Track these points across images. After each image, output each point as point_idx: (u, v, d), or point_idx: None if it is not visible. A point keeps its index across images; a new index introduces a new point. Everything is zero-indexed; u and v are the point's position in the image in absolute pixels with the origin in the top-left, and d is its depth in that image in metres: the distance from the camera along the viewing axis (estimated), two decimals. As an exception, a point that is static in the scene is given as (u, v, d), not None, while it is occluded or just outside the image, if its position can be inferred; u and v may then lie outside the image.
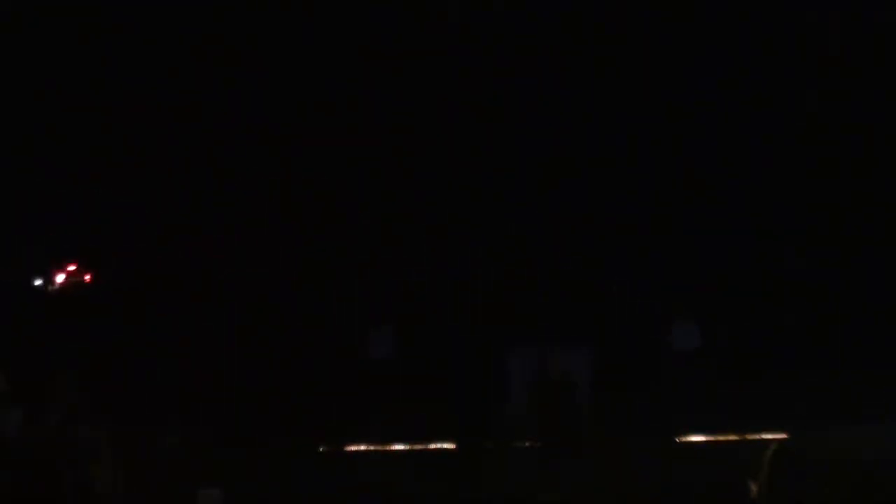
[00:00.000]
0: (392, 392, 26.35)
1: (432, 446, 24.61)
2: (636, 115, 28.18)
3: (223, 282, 27.16)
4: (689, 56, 28.06)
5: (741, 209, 28.16)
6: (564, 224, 28.04)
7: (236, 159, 27.44)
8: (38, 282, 25.08)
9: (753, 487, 15.12)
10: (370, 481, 21.65)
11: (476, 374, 26.67)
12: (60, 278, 25.61)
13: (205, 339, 26.42)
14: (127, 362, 25.39)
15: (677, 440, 24.83)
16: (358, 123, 27.90)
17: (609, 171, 28.32)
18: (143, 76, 27.65)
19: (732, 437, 24.61)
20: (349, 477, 22.09)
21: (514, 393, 26.43)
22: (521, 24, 28.27)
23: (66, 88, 27.26)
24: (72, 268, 25.82)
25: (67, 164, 26.86)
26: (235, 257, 27.37)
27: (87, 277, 25.91)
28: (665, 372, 26.59)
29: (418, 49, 27.86)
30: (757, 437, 24.45)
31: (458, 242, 28.23)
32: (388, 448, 24.47)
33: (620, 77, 28.19)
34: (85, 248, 26.35)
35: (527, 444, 24.88)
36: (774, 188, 28.32)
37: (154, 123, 27.02)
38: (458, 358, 27.23)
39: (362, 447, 24.38)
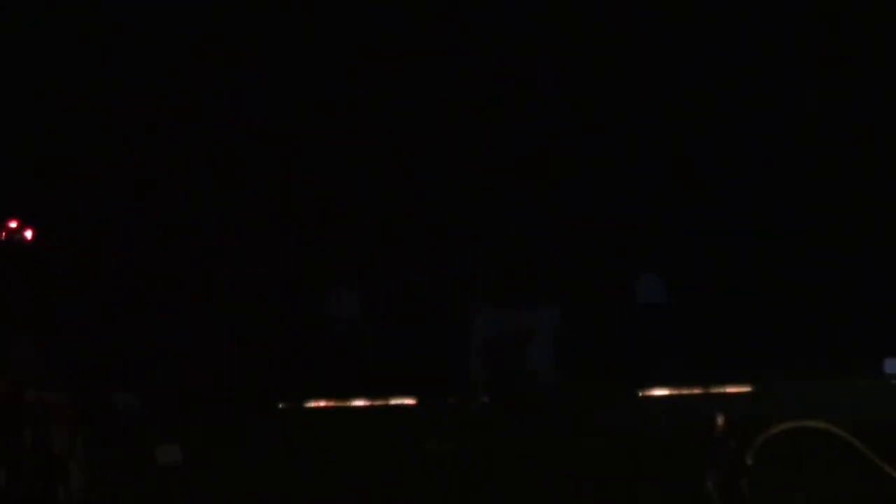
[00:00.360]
0: (354, 349, 26.22)
1: (393, 402, 24.50)
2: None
3: (183, 243, 26.84)
4: (687, 55, 28.00)
5: (710, 164, 28.03)
6: (528, 183, 27.91)
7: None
8: None
9: (720, 420, 15.10)
10: (330, 437, 21.55)
11: (440, 333, 26.53)
12: None
13: (162, 298, 26.13)
14: (83, 324, 25.10)
15: (640, 393, 24.79)
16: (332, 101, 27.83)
17: (574, 131, 28.20)
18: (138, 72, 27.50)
19: (696, 391, 24.60)
20: (309, 433, 21.95)
21: (477, 351, 26.35)
22: (522, 24, 28.20)
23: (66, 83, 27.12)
24: (13, 224, 25.34)
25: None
26: (194, 218, 27.08)
27: (29, 235, 25.44)
28: (630, 325, 26.51)
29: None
30: (721, 390, 24.48)
31: (423, 203, 28.07)
32: (347, 404, 24.33)
33: (592, 59, 28.16)
34: (25, 204, 25.99)
35: (486, 399, 24.82)
36: (740, 146, 28.23)
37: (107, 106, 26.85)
38: (422, 317, 27.07)
39: (322, 403, 24.24)
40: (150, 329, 25.68)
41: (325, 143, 27.78)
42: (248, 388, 24.15)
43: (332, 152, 27.89)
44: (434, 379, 24.99)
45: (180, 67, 27.43)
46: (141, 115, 27.12)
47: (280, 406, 24.20)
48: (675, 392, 24.66)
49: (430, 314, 26.90)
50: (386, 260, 27.72)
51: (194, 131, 27.48)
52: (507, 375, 25.45)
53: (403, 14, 27.77)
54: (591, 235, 27.32)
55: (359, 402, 24.27)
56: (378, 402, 24.34)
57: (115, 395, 23.40)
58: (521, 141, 27.83)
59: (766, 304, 26.44)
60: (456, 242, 27.85)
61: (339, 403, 24.28)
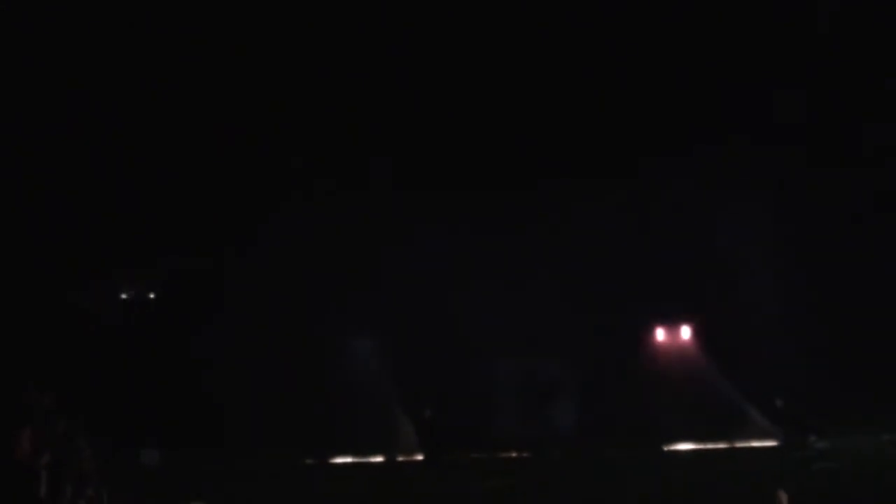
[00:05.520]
0: (375, 404, 26.15)
1: (417, 458, 24.51)
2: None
3: (205, 298, 26.88)
4: (683, 54, 27.91)
5: (732, 209, 27.89)
6: (548, 231, 27.81)
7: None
8: None
9: (783, 498, 14.85)
10: (356, 492, 21.55)
11: (462, 385, 26.44)
12: None
13: (186, 355, 26.14)
14: (107, 379, 25.13)
15: (665, 448, 24.71)
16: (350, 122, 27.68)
17: (587, 174, 28.06)
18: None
19: (721, 445, 24.52)
20: (334, 489, 21.95)
21: (501, 403, 26.26)
22: (519, 23, 28.14)
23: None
24: None
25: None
26: (216, 272, 27.11)
27: None
28: (653, 380, 26.40)
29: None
30: (746, 444, 24.39)
31: (443, 252, 27.98)
32: (371, 460, 24.33)
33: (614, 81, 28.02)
34: None
35: (513, 454, 24.74)
36: (756, 185, 28.03)
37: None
38: (443, 369, 26.97)
39: (349, 459, 24.26)
40: (173, 386, 25.71)
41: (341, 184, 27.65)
42: (274, 443, 24.14)
43: (348, 190, 27.80)
44: (456, 432, 24.95)
45: None
46: None
47: (307, 462, 24.24)
48: (700, 447, 24.59)
49: (453, 365, 26.83)
50: (406, 309, 27.61)
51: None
52: (529, 429, 25.40)
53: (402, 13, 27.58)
54: (611, 283, 27.21)
55: (380, 458, 24.28)
56: (402, 459, 24.35)
57: (141, 451, 23.44)
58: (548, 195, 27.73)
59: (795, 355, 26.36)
60: (478, 292, 27.75)
61: (363, 459, 24.30)
